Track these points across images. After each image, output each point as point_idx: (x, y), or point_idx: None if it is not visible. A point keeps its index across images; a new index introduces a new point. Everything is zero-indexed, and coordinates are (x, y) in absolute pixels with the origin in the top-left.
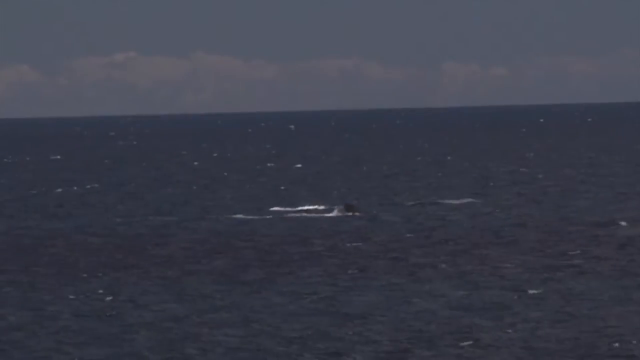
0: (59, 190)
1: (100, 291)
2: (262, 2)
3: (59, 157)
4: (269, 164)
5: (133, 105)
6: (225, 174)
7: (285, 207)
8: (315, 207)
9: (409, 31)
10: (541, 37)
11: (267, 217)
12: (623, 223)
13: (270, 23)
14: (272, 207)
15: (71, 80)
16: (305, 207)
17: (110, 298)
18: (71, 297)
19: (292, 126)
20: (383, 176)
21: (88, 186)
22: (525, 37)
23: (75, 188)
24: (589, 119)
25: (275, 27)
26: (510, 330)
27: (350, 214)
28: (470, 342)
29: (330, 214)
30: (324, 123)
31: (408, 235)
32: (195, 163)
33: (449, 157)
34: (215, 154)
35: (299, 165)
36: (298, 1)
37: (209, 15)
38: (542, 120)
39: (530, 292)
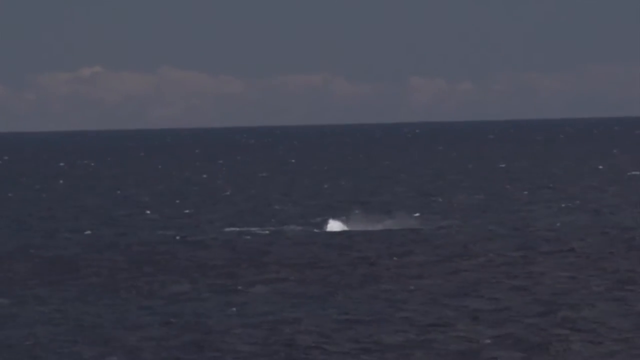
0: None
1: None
2: (227, 18)
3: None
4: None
5: (100, 120)
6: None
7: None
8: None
9: (375, 46)
10: (507, 53)
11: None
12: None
13: (236, 38)
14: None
15: (38, 95)
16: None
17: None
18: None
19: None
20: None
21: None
22: (491, 52)
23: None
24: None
25: (241, 42)
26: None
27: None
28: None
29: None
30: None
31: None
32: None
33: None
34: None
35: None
36: (264, 17)
37: (175, 30)
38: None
39: None
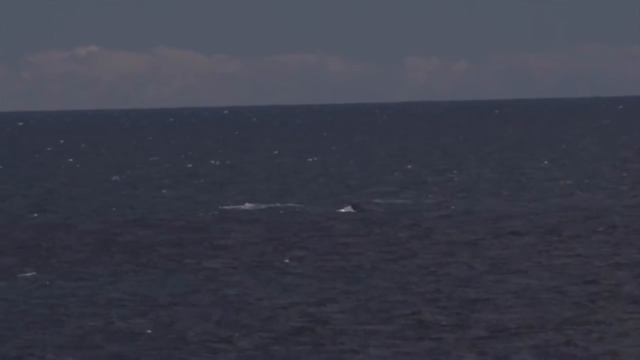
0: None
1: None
2: None
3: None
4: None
5: (96, 100)
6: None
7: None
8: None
9: (371, 25)
10: (502, 32)
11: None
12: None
13: (232, 17)
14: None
15: (33, 74)
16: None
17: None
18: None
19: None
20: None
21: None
22: (487, 31)
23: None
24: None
25: (237, 22)
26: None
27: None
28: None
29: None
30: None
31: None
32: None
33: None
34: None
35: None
36: None
37: (171, 9)
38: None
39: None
